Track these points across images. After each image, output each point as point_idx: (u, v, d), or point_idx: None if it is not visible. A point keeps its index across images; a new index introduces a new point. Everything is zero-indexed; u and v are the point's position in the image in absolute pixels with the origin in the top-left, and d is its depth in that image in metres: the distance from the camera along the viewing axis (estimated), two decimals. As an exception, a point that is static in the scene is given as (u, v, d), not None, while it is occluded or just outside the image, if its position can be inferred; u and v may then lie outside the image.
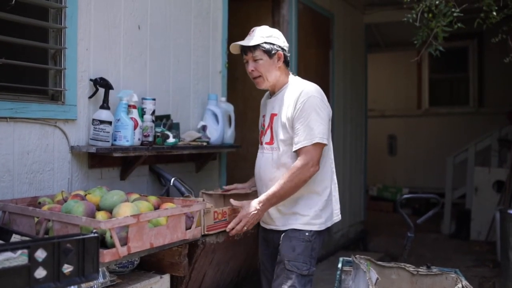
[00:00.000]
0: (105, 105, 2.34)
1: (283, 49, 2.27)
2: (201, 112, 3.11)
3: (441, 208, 4.87)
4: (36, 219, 1.85)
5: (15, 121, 2.07)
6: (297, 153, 2.17)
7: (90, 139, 2.33)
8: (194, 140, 2.84)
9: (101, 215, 1.84)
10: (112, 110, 2.37)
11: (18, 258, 1.32)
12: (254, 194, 2.43)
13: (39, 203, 2.02)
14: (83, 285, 1.87)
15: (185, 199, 2.32)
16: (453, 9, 3.14)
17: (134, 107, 2.46)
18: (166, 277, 2.24)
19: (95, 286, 1.97)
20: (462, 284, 2.15)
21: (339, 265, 2.50)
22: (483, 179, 6.17)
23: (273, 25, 4.16)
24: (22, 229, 1.84)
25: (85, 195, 2.01)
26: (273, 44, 2.23)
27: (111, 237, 1.72)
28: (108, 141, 2.32)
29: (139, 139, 2.47)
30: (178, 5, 2.95)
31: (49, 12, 2.28)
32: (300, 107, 2.15)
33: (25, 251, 1.18)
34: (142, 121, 2.51)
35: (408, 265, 2.40)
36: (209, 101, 3.06)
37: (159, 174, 2.73)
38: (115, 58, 2.53)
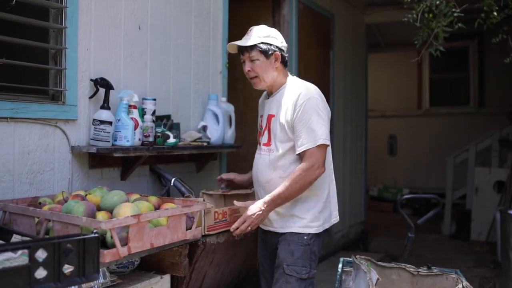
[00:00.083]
0: (105, 105, 2.34)
1: (280, 49, 2.24)
2: (202, 112, 3.11)
3: (442, 209, 4.87)
4: (36, 219, 1.85)
5: (15, 121, 2.07)
6: (301, 155, 2.16)
7: (91, 139, 2.33)
8: (194, 140, 2.84)
9: (101, 215, 1.84)
10: (112, 110, 2.37)
11: (18, 258, 1.32)
12: (255, 195, 2.43)
13: (40, 203, 2.02)
14: (83, 285, 1.87)
15: (186, 199, 2.32)
16: (453, 9, 3.14)
17: (135, 107, 2.46)
18: (167, 277, 2.24)
19: (96, 287, 1.97)
20: (462, 285, 2.15)
21: (340, 266, 2.50)
22: (483, 180, 6.16)
23: (274, 25, 4.16)
24: (22, 229, 1.84)
25: (86, 195, 2.01)
26: (270, 45, 2.21)
27: (111, 237, 1.72)
28: (109, 141, 2.32)
29: (139, 139, 2.47)
30: (178, 5, 2.95)
31: (50, 12, 2.29)
32: (300, 109, 2.14)
33: (26, 251, 1.18)
34: (143, 121, 2.50)
35: (408, 265, 2.40)
36: (210, 101, 3.06)
37: (159, 174, 2.73)
38: (115, 58, 2.53)
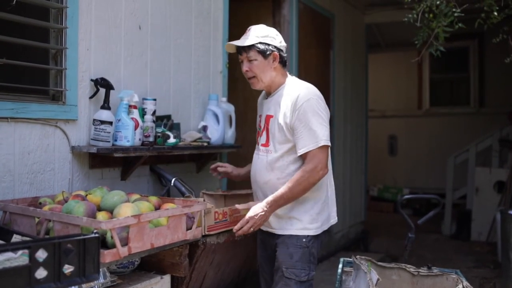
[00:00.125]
0: (106, 105, 2.34)
1: (279, 49, 2.22)
2: (202, 112, 3.11)
3: (442, 209, 4.87)
4: (37, 220, 1.85)
5: (16, 121, 2.07)
6: (303, 157, 2.15)
7: (91, 139, 2.33)
8: (194, 141, 2.84)
9: (101, 216, 1.84)
10: (113, 111, 2.37)
11: (19, 258, 1.32)
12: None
13: (40, 203, 2.02)
14: (83, 285, 1.87)
15: (186, 200, 2.32)
16: (454, 9, 3.13)
17: (135, 107, 2.46)
18: (167, 278, 2.24)
19: (96, 287, 1.97)
20: (463, 285, 2.15)
21: (340, 266, 2.50)
22: (483, 180, 6.16)
23: (274, 25, 4.16)
24: (23, 230, 1.84)
25: (86, 195, 2.01)
26: (268, 45, 2.19)
27: (111, 237, 1.72)
28: (109, 141, 2.32)
29: (139, 139, 2.47)
30: (178, 5, 2.95)
31: (50, 12, 2.28)
32: (299, 111, 2.12)
33: (26, 251, 1.18)
34: (143, 121, 2.51)
35: (408, 265, 2.40)
36: (210, 101, 3.06)
37: (159, 175, 2.73)
38: (116, 58, 2.53)
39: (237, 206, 2.24)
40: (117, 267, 2.15)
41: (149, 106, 2.55)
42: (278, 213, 2.20)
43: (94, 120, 2.32)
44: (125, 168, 2.57)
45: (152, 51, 2.76)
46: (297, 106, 2.13)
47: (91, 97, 2.39)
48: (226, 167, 2.55)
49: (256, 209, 2.14)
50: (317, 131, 2.11)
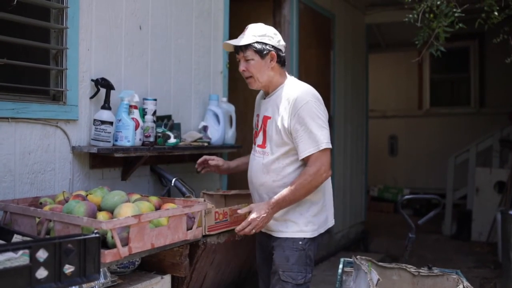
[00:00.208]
0: (106, 106, 2.34)
1: (277, 49, 2.18)
2: (202, 112, 3.11)
3: (442, 209, 4.87)
4: (37, 220, 1.85)
5: (16, 121, 2.07)
6: (305, 160, 2.13)
7: (92, 139, 2.33)
8: (195, 141, 2.84)
9: (102, 216, 1.84)
10: (113, 111, 2.37)
11: (19, 258, 1.32)
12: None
13: (41, 203, 2.02)
14: (84, 285, 1.87)
15: (186, 200, 2.32)
16: (454, 10, 3.13)
17: (136, 107, 2.46)
18: (167, 278, 2.24)
19: (96, 287, 1.97)
20: (463, 285, 2.15)
21: (340, 266, 2.50)
22: (484, 180, 6.16)
23: (274, 25, 4.16)
24: (23, 230, 1.84)
25: (87, 195, 2.01)
26: (266, 44, 2.15)
27: (112, 237, 1.72)
28: (110, 142, 2.32)
29: (140, 140, 2.48)
30: (179, 6, 2.95)
31: (51, 12, 2.29)
32: (298, 114, 2.10)
33: (27, 251, 1.18)
34: (143, 121, 2.51)
35: (409, 266, 2.40)
36: (210, 101, 3.07)
37: (160, 175, 2.73)
38: (116, 58, 2.53)
39: (238, 211, 2.23)
40: (118, 267, 2.15)
41: (150, 106, 2.55)
42: (274, 215, 2.18)
43: (94, 120, 2.32)
44: (125, 168, 2.58)
45: (153, 51, 2.76)
46: (295, 109, 2.11)
47: (91, 97, 2.40)
48: (216, 160, 2.51)
49: (259, 211, 2.12)
50: (317, 135, 2.10)
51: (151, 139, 2.52)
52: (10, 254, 1.30)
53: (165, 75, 2.86)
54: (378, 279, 2.11)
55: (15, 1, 2.03)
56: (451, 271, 2.36)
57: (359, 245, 5.95)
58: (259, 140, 2.28)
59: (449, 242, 6.24)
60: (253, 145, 2.33)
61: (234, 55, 2.26)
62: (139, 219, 1.77)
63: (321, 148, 2.10)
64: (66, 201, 1.95)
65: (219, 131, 3.01)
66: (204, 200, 2.36)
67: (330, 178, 2.28)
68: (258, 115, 2.34)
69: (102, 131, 2.30)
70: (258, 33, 2.17)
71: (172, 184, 2.60)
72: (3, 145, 2.03)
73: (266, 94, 2.30)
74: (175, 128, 2.77)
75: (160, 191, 2.72)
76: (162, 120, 2.72)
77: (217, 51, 3.28)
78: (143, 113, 2.54)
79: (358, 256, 2.33)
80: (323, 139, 2.11)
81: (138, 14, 2.65)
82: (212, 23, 3.24)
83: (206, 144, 2.88)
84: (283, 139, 2.16)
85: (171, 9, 2.89)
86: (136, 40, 2.64)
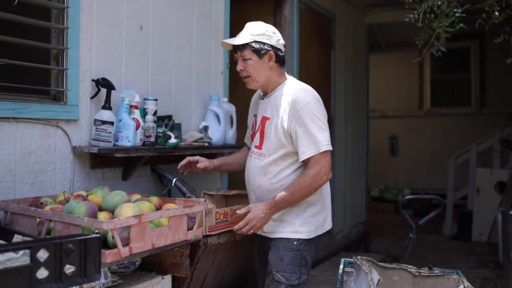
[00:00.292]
0: (107, 106, 2.34)
1: (275, 48, 2.15)
2: (203, 112, 3.11)
3: (443, 209, 4.87)
4: (38, 220, 1.85)
5: (17, 121, 2.07)
6: (305, 162, 2.12)
7: (92, 139, 2.33)
8: (195, 141, 2.84)
9: (103, 216, 1.84)
10: (114, 111, 2.37)
11: (20, 258, 1.32)
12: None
13: (41, 203, 2.02)
14: (84, 285, 1.87)
15: (187, 200, 2.32)
16: (455, 10, 3.13)
17: (136, 107, 2.46)
18: (168, 278, 2.24)
19: (97, 287, 1.97)
20: (464, 286, 2.14)
21: (341, 266, 2.50)
22: (485, 180, 6.16)
23: (275, 25, 4.12)
24: (24, 230, 1.84)
25: (87, 195, 2.01)
26: (264, 43, 2.12)
27: (113, 237, 1.72)
28: (110, 142, 2.32)
29: (141, 140, 2.48)
30: (180, 6, 2.95)
31: (52, 12, 2.29)
32: (298, 116, 2.08)
33: (27, 251, 1.18)
34: (144, 121, 2.51)
35: (409, 266, 2.40)
36: (211, 101, 3.07)
37: (160, 175, 2.73)
38: (117, 58, 2.53)
39: (237, 211, 2.23)
40: (118, 267, 2.15)
41: (150, 106, 2.55)
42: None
43: (95, 120, 2.32)
44: (126, 168, 2.58)
45: (153, 51, 2.76)
46: (295, 110, 2.09)
47: (92, 97, 2.40)
48: (203, 163, 2.43)
49: (257, 211, 2.12)
50: (318, 136, 2.08)
51: (152, 139, 2.52)
52: (10, 254, 1.30)
53: (165, 75, 2.86)
54: (379, 279, 2.11)
55: (16, 1, 2.03)
56: (452, 271, 2.36)
57: (360, 245, 5.94)
58: (256, 141, 2.26)
59: (450, 242, 6.23)
60: (251, 146, 2.31)
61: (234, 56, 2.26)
62: (140, 219, 1.77)
63: (322, 150, 2.08)
64: (67, 201, 1.95)
65: (220, 131, 3.01)
66: (205, 200, 2.36)
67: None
68: (255, 115, 2.32)
69: (102, 131, 2.30)
70: (256, 32, 2.14)
71: (173, 184, 2.60)
72: (4, 145, 2.03)
73: (265, 94, 2.28)
74: (176, 128, 2.77)
75: (161, 191, 2.72)
76: (163, 120, 2.72)
77: (218, 51, 3.28)
78: (144, 113, 2.54)
79: (358, 256, 2.33)
80: (323, 141, 2.09)
81: (139, 14, 2.65)
82: (212, 23, 3.24)
83: (206, 144, 2.88)
84: (281, 140, 2.14)
85: (172, 9, 2.89)
86: (136, 40, 2.64)
